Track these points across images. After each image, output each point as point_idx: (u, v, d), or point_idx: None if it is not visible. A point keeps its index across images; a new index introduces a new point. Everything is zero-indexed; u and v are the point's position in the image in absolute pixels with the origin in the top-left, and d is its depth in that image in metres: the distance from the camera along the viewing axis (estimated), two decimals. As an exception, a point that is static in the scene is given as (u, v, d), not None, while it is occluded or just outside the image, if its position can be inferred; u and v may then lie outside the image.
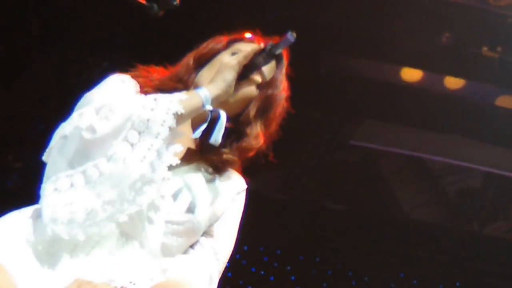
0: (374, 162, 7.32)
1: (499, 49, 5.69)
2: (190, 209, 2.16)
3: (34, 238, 2.00)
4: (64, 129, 2.03)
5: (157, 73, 2.32)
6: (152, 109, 2.02)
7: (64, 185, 1.96)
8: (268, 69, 2.32)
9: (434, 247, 7.52)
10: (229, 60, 2.23)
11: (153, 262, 2.06)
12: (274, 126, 2.34)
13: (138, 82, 2.25)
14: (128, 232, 2.07)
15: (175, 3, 2.67)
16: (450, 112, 6.17)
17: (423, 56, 5.79)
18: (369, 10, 5.50)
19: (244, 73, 2.25)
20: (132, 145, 1.98)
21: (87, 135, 1.96)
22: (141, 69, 2.30)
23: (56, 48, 5.78)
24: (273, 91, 2.32)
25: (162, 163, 2.01)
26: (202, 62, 2.33)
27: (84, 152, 1.97)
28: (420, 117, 6.32)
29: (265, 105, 2.31)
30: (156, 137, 2.00)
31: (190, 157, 2.22)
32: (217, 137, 2.18)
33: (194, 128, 2.25)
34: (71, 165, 1.97)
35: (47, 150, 2.08)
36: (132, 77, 2.23)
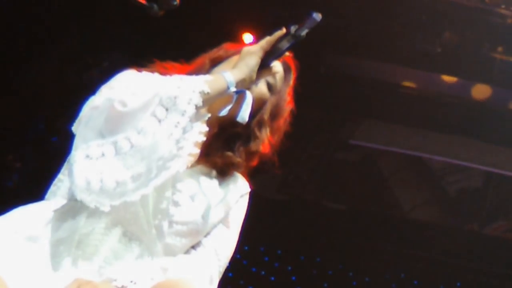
0: (374, 162, 7.32)
1: (499, 49, 5.69)
2: (206, 211, 2.17)
3: (39, 237, 2.00)
4: (95, 100, 2.04)
5: (174, 69, 2.32)
6: (179, 87, 2.04)
7: (95, 153, 1.97)
8: (279, 76, 2.33)
9: (434, 247, 7.52)
10: (251, 47, 2.26)
11: (154, 262, 2.07)
12: (278, 137, 2.36)
13: None
14: (133, 233, 2.08)
15: (175, 3, 2.67)
16: (450, 112, 6.17)
17: (423, 56, 5.79)
18: (369, 10, 5.50)
19: (266, 60, 2.26)
20: (159, 121, 2.00)
21: (118, 107, 1.97)
22: (158, 65, 2.30)
23: (56, 48, 5.79)
24: (280, 100, 2.34)
25: (188, 141, 2.03)
26: (216, 62, 2.34)
27: (115, 123, 1.98)
28: (420, 117, 6.32)
29: (274, 112, 2.34)
30: (183, 115, 2.02)
31: (196, 160, 2.21)
32: (244, 114, 2.19)
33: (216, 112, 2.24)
34: (102, 135, 1.99)
35: (76, 121, 2.09)
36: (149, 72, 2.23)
